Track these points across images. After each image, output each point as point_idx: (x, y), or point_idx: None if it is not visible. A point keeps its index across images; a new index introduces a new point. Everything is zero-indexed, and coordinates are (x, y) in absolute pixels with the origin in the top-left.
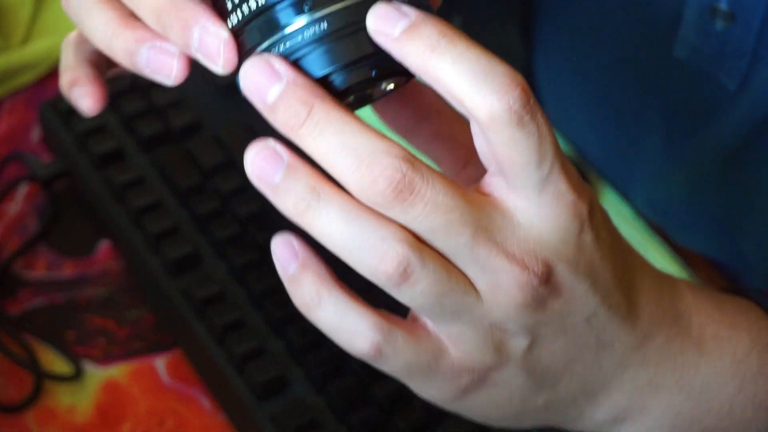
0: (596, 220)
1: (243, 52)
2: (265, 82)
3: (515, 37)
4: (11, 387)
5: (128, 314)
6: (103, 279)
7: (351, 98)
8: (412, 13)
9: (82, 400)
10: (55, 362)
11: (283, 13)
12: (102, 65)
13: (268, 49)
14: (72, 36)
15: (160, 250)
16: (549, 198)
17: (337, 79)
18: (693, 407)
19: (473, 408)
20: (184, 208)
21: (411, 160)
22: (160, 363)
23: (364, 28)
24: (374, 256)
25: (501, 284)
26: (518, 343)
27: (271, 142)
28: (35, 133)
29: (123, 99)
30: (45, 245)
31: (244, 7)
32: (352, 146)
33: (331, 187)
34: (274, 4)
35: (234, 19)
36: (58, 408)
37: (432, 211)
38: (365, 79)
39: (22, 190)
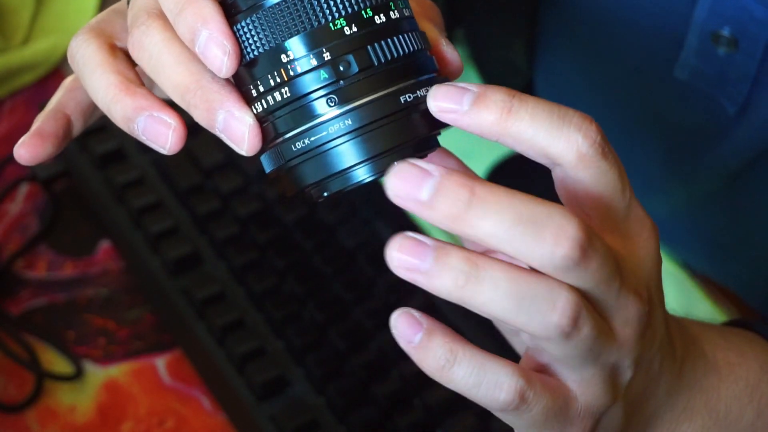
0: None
1: (268, 138)
2: (416, 182)
3: (519, 52)
4: (12, 387)
5: (128, 314)
6: (103, 279)
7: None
8: (472, 86)
9: (82, 400)
10: (55, 362)
11: (309, 106)
12: (84, 117)
13: (293, 139)
14: (68, 80)
15: (160, 250)
16: (633, 225)
17: (359, 172)
18: None
19: None
20: (184, 208)
21: (579, 216)
22: (160, 363)
23: (388, 123)
24: (546, 308)
25: (629, 319)
26: (626, 378)
27: (408, 233)
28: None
29: None
30: (45, 245)
31: (270, 97)
32: (528, 215)
33: (484, 257)
34: (299, 97)
35: (259, 107)
36: (59, 408)
37: (604, 264)
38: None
39: (23, 190)
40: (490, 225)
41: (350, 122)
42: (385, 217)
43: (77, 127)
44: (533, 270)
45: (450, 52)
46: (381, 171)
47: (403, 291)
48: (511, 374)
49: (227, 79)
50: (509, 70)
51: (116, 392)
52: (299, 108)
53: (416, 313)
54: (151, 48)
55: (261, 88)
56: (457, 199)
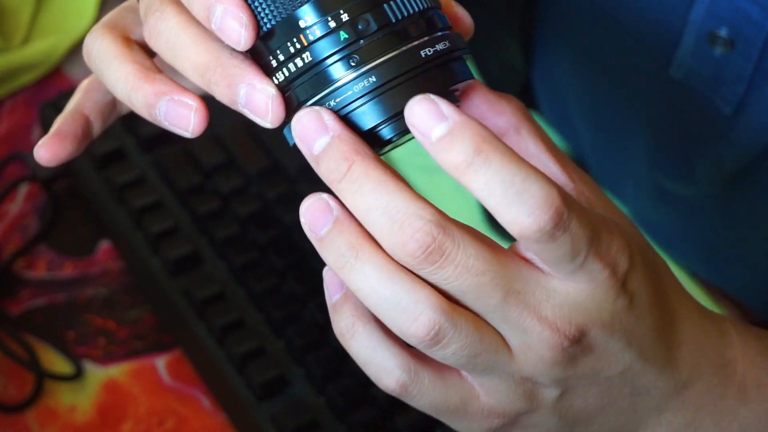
0: (635, 280)
1: (291, 108)
2: (313, 134)
3: (515, 50)
4: (12, 387)
5: (128, 314)
6: (103, 279)
7: (392, 143)
8: (452, 115)
9: (82, 400)
10: (55, 362)
11: (330, 69)
12: (103, 117)
13: (317, 104)
14: (85, 82)
15: (160, 250)
16: (584, 277)
17: (386, 130)
18: None
19: None
20: (184, 208)
21: (443, 224)
22: (160, 363)
23: (412, 77)
24: (407, 319)
25: (532, 345)
26: (550, 394)
27: (325, 195)
28: (35, 133)
29: None
30: (45, 245)
31: (290, 64)
32: (386, 207)
33: (371, 247)
34: (320, 61)
35: (280, 76)
36: (59, 408)
37: (462, 273)
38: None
39: (22, 190)
40: (360, 202)
41: (374, 79)
42: None
43: (96, 128)
44: (409, 273)
45: (461, 11)
46: (404, 129)
47: None
48: (399, 365)
49: (246, 55)
50: (506, 70)
51: (116, 392)
52: (321, 72)
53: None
54: (167, 33)
55: (281, 57)
56: (336, 167)
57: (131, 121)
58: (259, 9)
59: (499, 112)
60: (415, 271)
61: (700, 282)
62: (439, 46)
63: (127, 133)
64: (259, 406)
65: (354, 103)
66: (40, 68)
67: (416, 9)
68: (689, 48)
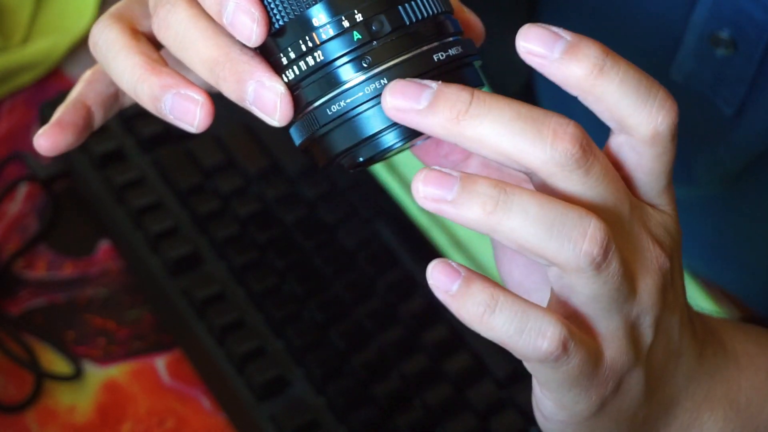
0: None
1: (299, 107)
2: (414, 94)
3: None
4: (11, 387)
5: (128, 314)
6: (103, 279)
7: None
8: (566, 33)
9: (82, 400)
10: (55, 362)
11: (341, 69)
12: (105, 108)
13: (326, 104)
14: (88, 73)
15: (160, 250)
16: (666, 201)
17: (393, 134)
18: (743, 425)
19: (597, 428)
20: (184, 208)
21: (583, 130)
22: (160, 363)
23: (418, 77)
24: (577, 235)
25: (646, 266)
26: (647, 339)
27: (433, 167)
28: (35, 133)
29: None
30: (45, 245)
31: (301, 63)
32: (526, 113)
33: (512, 185)
34: (332, 61)
35: (290, 74)
36: (59, 408)
37: (605, 174)
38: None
39: (22, 190)
40: (489, 123)
41: (386, 81)
42: (385, 217)
43: (98, 119)
44: (558, 200)
45: (473, 17)
46: (416, 133)
47: (403, 291)
48: (555, 322)
49: (256, 51)
50: (508, 68)
51: (116, 392)
52: (331, 72)
53: (453, 263)
54: (177, 26)
55: (292, 55)
56: (457, 100)
57: (131, 121)
58: (272, 5)
59: None
60: (567, 174)
61: (701, 282)
62: (452, 51)
63: (127, 133)
64: (259, 406)
65: (363, 106)
66: (40, 68)
67: (430, 13)
68: (690, 49)
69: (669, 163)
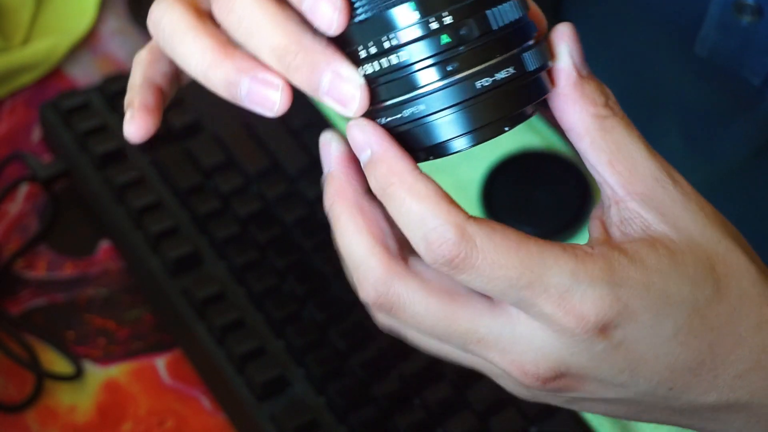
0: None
1: (373, 102)
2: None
3: None
4: (12, 387)
5: (128, 314)
6: (103, 279)
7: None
8: (375, 145)
9: (82, 400)
10: (55, 362)
11: (423, 72)
12: (170, 88)
13: (400, 105)
14: (143, 54)
15: (160, 250)
16: (537, 320)
17: (463, 140)
18: None
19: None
20: (184, 208)
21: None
22: (160, 363)
23: (501, 85)
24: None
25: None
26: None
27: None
28: (35, 133)
29: (123, 99)
30: (45, 245)
31: (383, 60)
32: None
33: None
34: (414, 62)
35: (368, 69)
36: (59, 408)
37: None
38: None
39: (22, 190)
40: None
41: (470, 87)
42: None
43: (168, 99)
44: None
45: (540, 13)
46: (488, 138)
47: None
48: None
49: (328, 41)
50: None
51: (116, 392)
52: (412, 74)
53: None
54: (241, 9)
55: (373, 50)
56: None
57: None
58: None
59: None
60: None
61: None
62: (537, 59)
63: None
64: (259, 406)
65: (442, 112)
66: (40, 68)
67: (514, 17)
68: (715, 20)
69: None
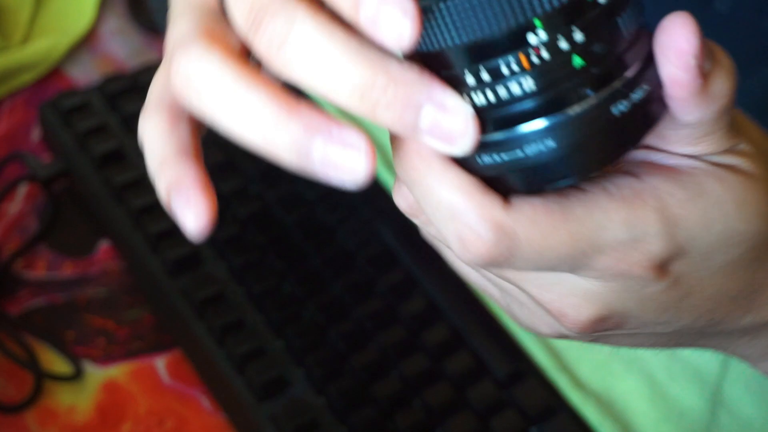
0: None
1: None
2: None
3: None
4: (11, 387)
5: (128, 314)
6: (103, 279)
7: None
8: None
9: (82, 400)
10: (55, 362)
11: (556, 98)
12: (198, 149)
13: (501, 143)
14: (155, 120)
15: (160, 250)
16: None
17: (569, 177)
18: None
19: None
20: None
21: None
22: (160, 363)
23: (606, 128)
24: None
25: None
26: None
27: None
28: (35, 133)
29: (123, 99)
30: (45, 245)
31: (499, 88)
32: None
33: None
34: (545, 88)
35: (479, 99)
36: (58, 408)
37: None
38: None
39: (22, 190)
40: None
41: (614, 112)
42: (385, 217)
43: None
44: None
45: None
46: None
47: (403, 291)
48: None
49: (419, 64)
50: None
51: (116, 392)
52: (546, 101)
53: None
54: (299, 40)
55: (485, 77)
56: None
57: (131, 121)
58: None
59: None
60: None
61: None
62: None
63: (127, 133)
64: (259, 406)
65: (541, 156)
66: (40, 68)
67: (639, 24)
68: None
69: None
